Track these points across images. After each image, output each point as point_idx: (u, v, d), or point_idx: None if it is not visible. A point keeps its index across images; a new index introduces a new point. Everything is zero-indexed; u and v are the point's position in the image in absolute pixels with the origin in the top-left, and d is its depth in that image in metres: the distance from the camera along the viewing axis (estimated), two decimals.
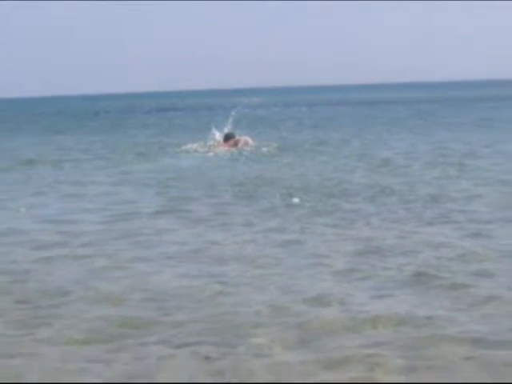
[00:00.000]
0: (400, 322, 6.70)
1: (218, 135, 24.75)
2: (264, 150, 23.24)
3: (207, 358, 6.01)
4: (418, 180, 15.85)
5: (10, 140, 34.56)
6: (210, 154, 23.03)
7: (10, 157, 25.25)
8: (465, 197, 13.43)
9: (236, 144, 23.96)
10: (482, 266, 8.54)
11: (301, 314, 7.06)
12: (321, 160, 20.69)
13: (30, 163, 22.83)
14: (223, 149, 23.54)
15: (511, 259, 8.84)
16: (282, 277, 8.41)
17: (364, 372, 5.62)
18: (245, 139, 24.37)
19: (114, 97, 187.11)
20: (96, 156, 24.54)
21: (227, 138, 24.35)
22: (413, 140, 26.62)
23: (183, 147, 24.75)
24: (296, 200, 13.55)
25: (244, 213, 12.58)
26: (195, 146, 24.59)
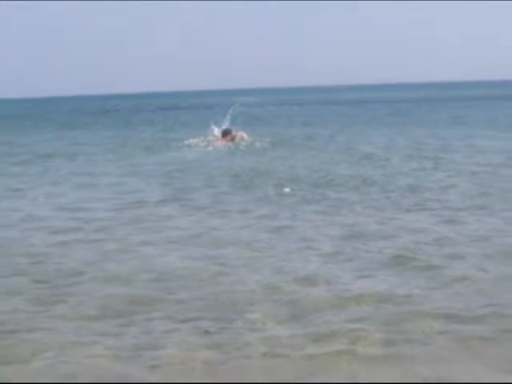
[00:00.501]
0: (380, 300, 6.71)
1: (217, 131, 24.69)
2: (258, 144, 23.21)
3: (207, 331, 6.02)
4: (397, 172, 15.86)
5: (29, 136, 34.48)
6: (210, 148, 23.00)
7: (30, 151, 25.26)
8: (439, 187, 13.44)
9: (233, 139, 23.94)
10: (454, 249, 8.55)
11: (291, 293, 7.07)
12: (309, 154, 20.67)
13: (47, 156, 22.83)
14: (221, 143, 23.51)
15: (481, 243, 8.85)
16: (274, 259, 8.42)
17: (348, 345, 5.63)
18: (241, 134, 24.37)
19: (123, 97, 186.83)
20: (107, 150, 24.49)
21: (225, 133, 24.31)
22: (392, 135, 26.58)
23: (185, 142, 24.69)
24: (287, 189, 13.56)
25: (240, 201, 12.59)
26: (196, 140, 24.55)
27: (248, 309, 6.58)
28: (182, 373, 5.26)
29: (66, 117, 60.94)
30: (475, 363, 5.25)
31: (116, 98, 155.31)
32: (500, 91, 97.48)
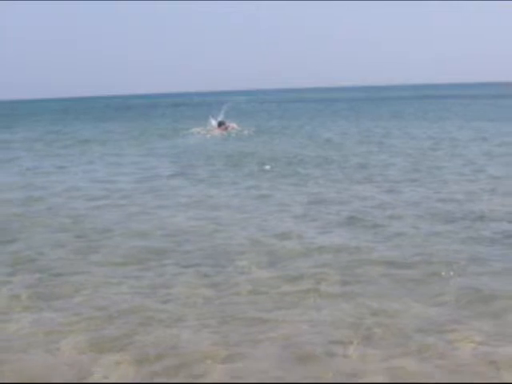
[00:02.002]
0: (338, 250, 6.70)
1: (214, 122, 24.66)
2: (245, 132, 23.16)
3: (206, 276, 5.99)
4: (350, 153, 15.85)
5: (70, 126, 34.29)
6: (208, 135, 22.93)
7: (71, 137, 25.12)
8: (382, 164, 13.45)
9: (226, 128, 23.88)
10: (393, 212, 8.55)
11: (271, 245, 7.04)
12: (284, 139, 20.66)
13: (85, 142, 22.70)
14: (217, 132, 23.44)
15: (414, 207, 8.86)
16: (258, 219, 8.39)
17: (313, 284, 5.61)
18: (232, 125, 24.37)
19: (142, 96, 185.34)
20: (129, 137, 24.37)
21: (220, 124, 24.30)
22: (347, 126, 26.58)
23: (190, 130, 24.65)
24: (267, 167, 13.54)
25: (231, 176, 12.55)
26: (198, 129, 24.50)
27: (237, 257, 6.56)
28: (187, 305, 5.23)
29: (99, 112, 60.47)
30: (409, 299, 5.25)
31: (136, 97, 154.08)
32: (430, 92, 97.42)
